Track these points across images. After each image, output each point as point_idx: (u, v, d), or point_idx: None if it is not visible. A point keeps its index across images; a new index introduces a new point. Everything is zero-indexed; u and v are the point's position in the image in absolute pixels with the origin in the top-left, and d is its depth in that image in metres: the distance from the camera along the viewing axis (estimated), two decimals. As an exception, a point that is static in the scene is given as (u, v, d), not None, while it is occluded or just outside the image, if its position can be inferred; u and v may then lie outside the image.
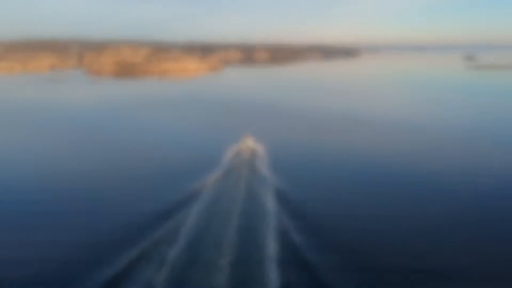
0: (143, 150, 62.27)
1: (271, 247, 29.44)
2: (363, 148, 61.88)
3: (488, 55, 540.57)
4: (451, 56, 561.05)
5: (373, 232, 33.75)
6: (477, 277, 27.68)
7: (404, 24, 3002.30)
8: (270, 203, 38.08)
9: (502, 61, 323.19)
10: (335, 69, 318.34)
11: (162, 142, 68.35)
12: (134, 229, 33.93)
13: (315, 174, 49.32)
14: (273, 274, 26.22)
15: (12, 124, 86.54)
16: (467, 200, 40.80)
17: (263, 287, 25.05)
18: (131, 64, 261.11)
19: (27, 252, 31.31)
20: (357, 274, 27.40)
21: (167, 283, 25.67)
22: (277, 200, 39.20)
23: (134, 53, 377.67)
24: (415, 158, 56.45)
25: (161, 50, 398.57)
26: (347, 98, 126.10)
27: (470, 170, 50.68)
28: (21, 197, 42.79)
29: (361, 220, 35.92)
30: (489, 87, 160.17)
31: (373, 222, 35.64)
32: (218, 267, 27.01)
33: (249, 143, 55.98)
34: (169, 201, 39.32)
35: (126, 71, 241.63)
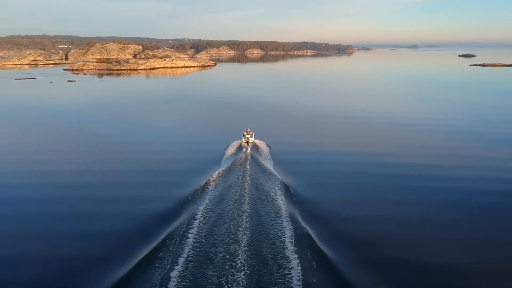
0: (138, 148, 56.10)
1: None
2: (368, 145, 57.37)
3: (484, 53, 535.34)
4: (447, 54, 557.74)
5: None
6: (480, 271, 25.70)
7: (396, 22, 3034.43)
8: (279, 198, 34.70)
9: (500, 59, 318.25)
10: (328, 65, 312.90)
11: (158, 139, 61.95)
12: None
13: (309, 163, 48.23)
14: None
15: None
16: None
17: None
18: (117, 61, 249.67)
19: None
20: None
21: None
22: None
23: (122, 50, 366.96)
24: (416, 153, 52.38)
25: (150, 47, 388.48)
26: (347, 96, 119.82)
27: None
28: (20, 195, 38.82)
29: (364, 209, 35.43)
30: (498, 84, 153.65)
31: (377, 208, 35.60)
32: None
33: (249, 137, 53.84)
34: (171, 200, 35.82)
35: (111, 68, 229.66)
